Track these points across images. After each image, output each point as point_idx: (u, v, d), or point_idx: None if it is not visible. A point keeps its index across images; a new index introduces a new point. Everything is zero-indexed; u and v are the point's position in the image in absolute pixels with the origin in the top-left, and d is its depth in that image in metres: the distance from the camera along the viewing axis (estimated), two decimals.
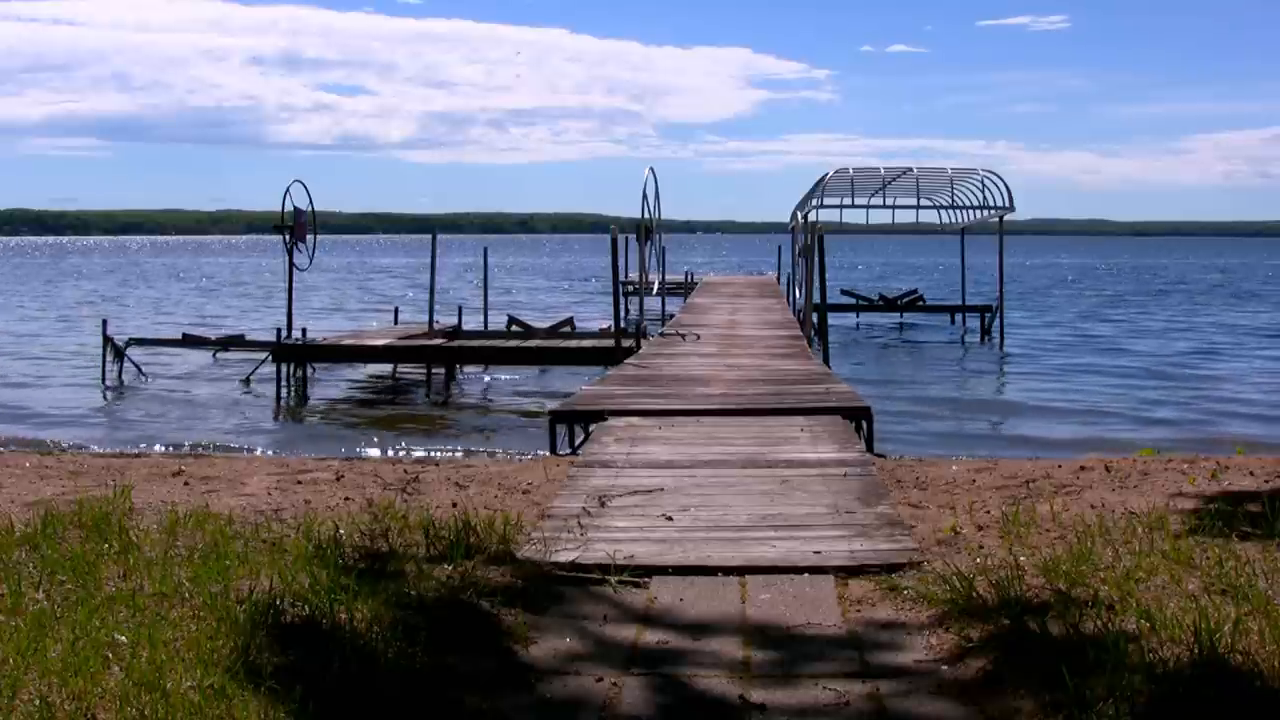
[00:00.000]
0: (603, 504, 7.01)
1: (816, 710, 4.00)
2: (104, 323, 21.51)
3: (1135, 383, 21.02)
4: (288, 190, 20.17)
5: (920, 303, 35.13)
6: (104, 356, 20.55)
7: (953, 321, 33.99)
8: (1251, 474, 8.29)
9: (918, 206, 30.37)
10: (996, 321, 29.10)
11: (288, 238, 20.17)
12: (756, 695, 4.12)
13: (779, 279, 38.08)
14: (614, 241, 18.04)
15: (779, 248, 40.89)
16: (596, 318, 29.36)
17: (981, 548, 5.93)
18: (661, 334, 19.80)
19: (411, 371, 21.25)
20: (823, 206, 27.02)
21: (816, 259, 17.79)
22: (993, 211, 27.96)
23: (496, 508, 6.84)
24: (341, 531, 5.82)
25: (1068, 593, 4.85)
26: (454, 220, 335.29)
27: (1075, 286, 60.09)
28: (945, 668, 4.37)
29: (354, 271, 78.14)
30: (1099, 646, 4.09)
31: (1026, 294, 50.17)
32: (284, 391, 18.89)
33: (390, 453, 12.12)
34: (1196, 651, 4.04)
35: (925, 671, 4.35)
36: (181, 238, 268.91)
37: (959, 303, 34.30)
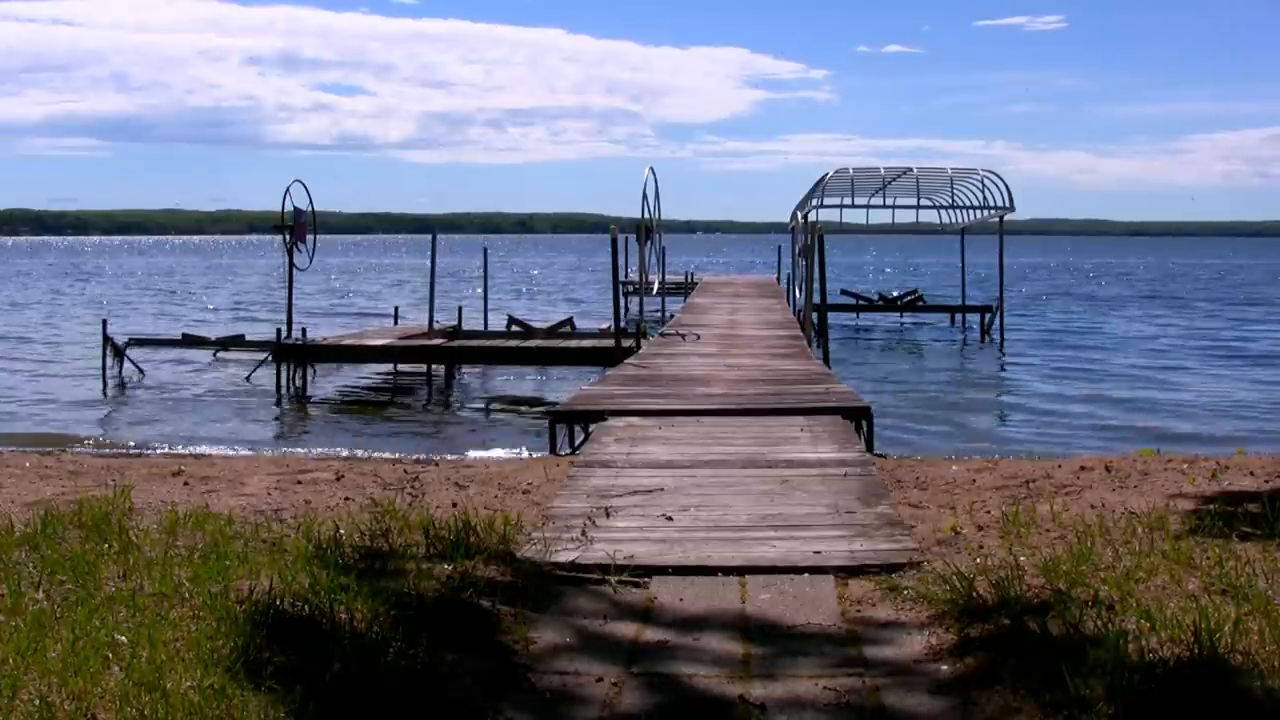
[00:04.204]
0: (603, 504, 7.00)
1: (816, 709, 4.00)
2: (104, 323, 21.50)
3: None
4: (288, 190, 20.19)
5: (920, 303, 35.15)
6: (104, 356, 20.54)
7: (953, 322, 34.00)
8: (1251, 474, 8.29)
9: (918, 206, 30.39)
10: (996, 321, 29.10)
11: (287, 238, 20.17)
12: (756, 694, 4.12)
13: (779, 279, 38.10)
14: (614, 241, 18.04)
15: (779, 248, 40.90)
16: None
17: (981, 548, 5.93)
18: (661, 334, 19.80)
19: (411, 371, 21.25)
20: (823, 206, 27.05)
21: (816, 259, 17.79)
22: (993, 211, 27.97)
23: (496, 508, 6.84)
24: (341, 531, 5.82)
25: (1068, 593, 4.85)
26: (453, 220, 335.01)
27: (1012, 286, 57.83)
28: (945, 667, 4.37)
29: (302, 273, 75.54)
30: (1099, 646, 4.09)
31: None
32: (284, 391, 18.90)
33: (390, 453, 12.12)
34: (1196, 651, 4.04)
35: (925, 671, 4.35)
36: (179, 238, 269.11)
37: (959, 303, 34.32)
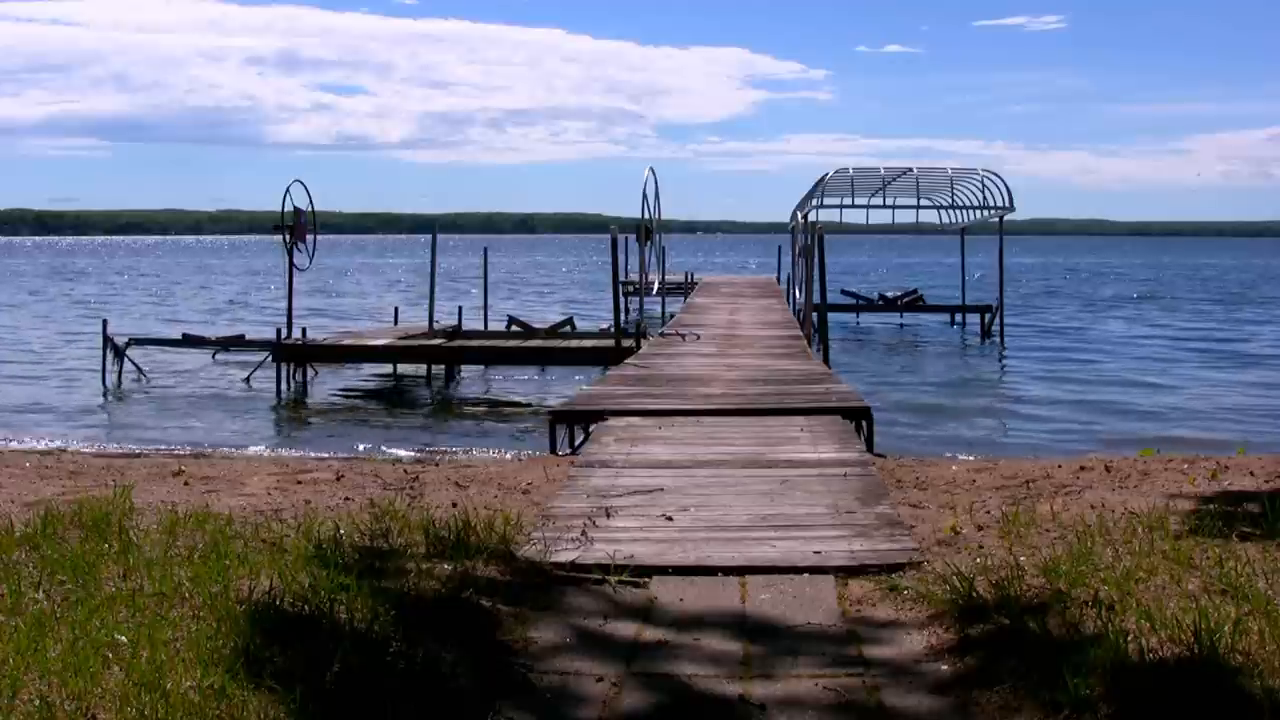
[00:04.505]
0: (603, 504, 7.00)
1: (817, 709, 4.00)
2: (104, 323, 21.49)
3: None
4: (288, 190, 20.18)
5: (920, 303, 35.14)
6: (104, 356, 20.53)
7: (953, 322, 33.99)
8: (1251, 474, 8.30)
9: (918, 206, 30.37)
10: (997, 321, 29.09)
11: (287, 238, 20.15)
12: (756, 694, 4.12)
13: (779, 279, 38.10)
14: (614, 241, 18.04)
15: (779, 248, 40.88)
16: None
17: (981, 548, 5.93)
18: (661, 334, 19.80)
19: (412, 371, 21.25)
20: (823, 206, 27.04)
21: (816, 259, 17.79)
22: (992, 211, 27.96)
23: (496, 508, 6.84)
24: (341, 531, 5.82)
25: (1068, 593, 4.85)
26: (454, 220, 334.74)
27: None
28: (945, 667, 4.37)
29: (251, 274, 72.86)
30: (1099, 646, 4.09)
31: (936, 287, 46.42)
32: (284, 391, 18.89)
33: (390, 453, 12.12)
34: (1196, 651, 4.04)
35: (925, 671, 4.35)
36: (177, 238, 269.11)
37: (959, 303, 34.32)
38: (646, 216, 23.07)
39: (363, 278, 71.05)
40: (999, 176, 27.65)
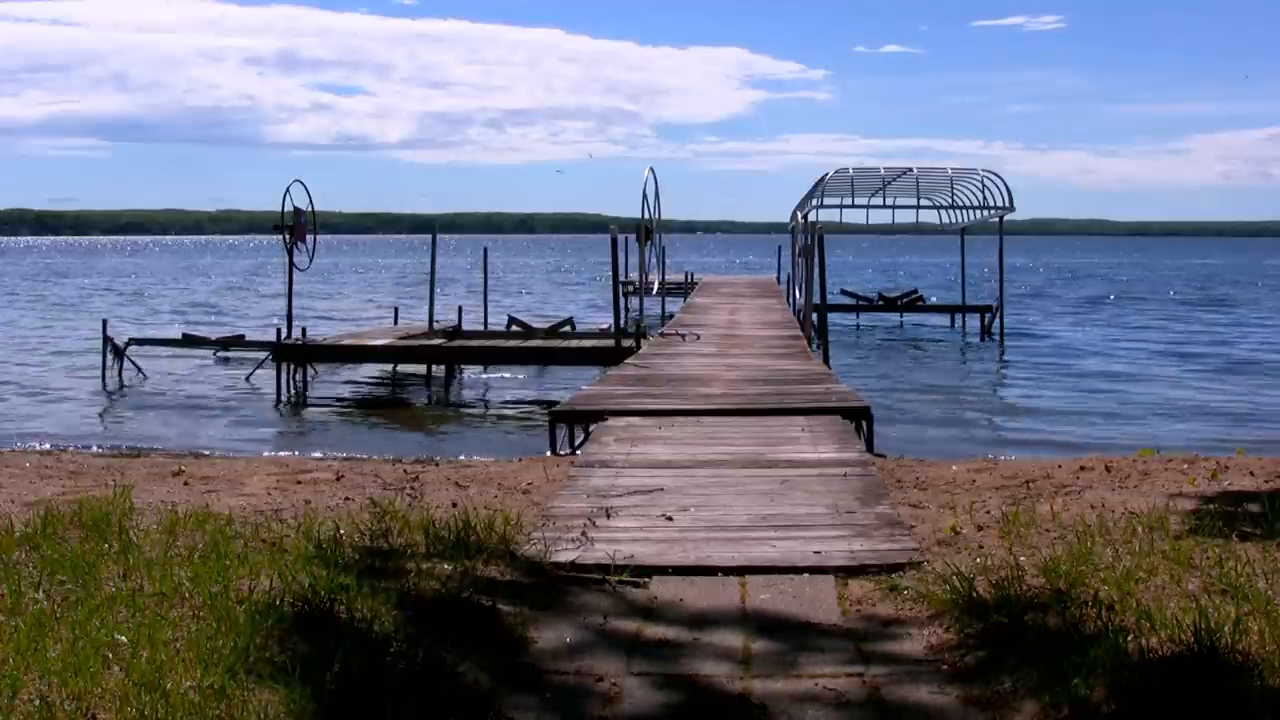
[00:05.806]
0: (603, 504, 7.00)
1: (817, 708, 4.01)
2: (104, 323, 21.49)
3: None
4: (288, 190, 20.17)
5: (920, 303, 35.14)
6: (104, 356, 20.53)
7: (953, 322, 33.99)
8: (1251, 474, 8.30)
9: (918, 206, 30.37)
10: (996, 321, 29.10)
11: (287, 238, 20.14)
12: (757, 692, 4.12)
13: (779, 279, 38.11)
14: (614, 241, 18.04)
15: (779, 248, 40.88)
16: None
17: (981, 548, 5.93)
18: (661, 334, 19.80)
19: (411, 371, 21.25)
20: (823, 206, 27.04)
21: (816, 259, 17.79)
22: (993, 211, 27.96)
23: (496, 508, 6.84)
24: (342, 531, 5.82)
25: (1068, 592, 4.85)
26: (454, 220, 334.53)
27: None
28: (945, 667, 4.37)
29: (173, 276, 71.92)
30: (1099, 645, 4.09)
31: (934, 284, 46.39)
32: (284, 391, 18.89)
33: (390, 453, 12.11)
34: (1196, 651, 4.04)
35: (925, 670, 4.35)
36: (174, 238, 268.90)
37: (959, 302, 34.32)
38: (646, 216, 23.07)
39: (350, 278, 70.75)
40: (999, 176, 27.66)
